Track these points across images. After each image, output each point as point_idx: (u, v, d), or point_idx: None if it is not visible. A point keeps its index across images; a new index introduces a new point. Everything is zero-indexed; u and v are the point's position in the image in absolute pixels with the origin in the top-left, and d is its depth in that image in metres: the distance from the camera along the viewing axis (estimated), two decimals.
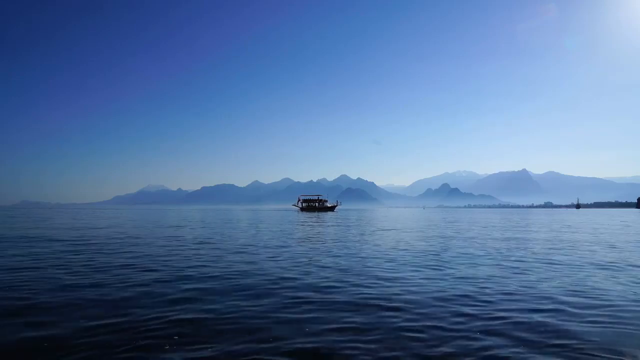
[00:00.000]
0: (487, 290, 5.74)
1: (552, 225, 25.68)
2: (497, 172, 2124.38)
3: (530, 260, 8.98)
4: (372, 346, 3.56)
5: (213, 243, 12.67)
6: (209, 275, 6.93)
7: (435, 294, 5.48)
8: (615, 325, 4.18)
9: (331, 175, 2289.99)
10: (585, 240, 14.26)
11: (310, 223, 27.21)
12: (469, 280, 6.49)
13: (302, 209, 73.61)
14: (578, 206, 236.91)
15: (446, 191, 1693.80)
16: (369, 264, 8.24)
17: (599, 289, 5.90)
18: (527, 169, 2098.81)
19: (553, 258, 9.33)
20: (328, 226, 23.48)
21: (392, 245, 12.25)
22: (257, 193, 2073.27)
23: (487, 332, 3.92)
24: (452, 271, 7.41)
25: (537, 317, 4.43)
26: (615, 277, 6.90)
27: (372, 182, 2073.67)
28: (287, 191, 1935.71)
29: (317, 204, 73.87)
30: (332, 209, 75.59)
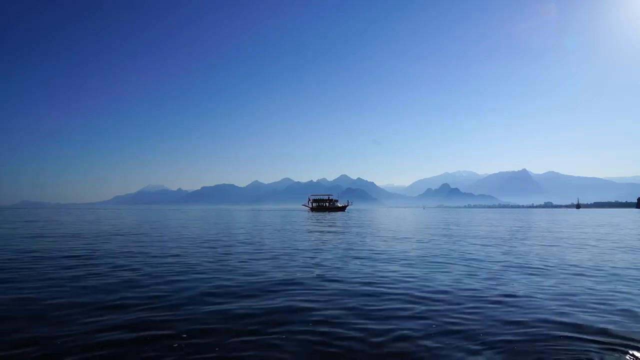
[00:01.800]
0: None
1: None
2: (497, 172, 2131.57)
3: None
4: None
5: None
6: None
7: None
8: None
9: (331, 175, 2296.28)
10: None
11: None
12: None
13: (313, 209, 72.89)
14: (578, 206, 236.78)
15: (446, 191, 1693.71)
16: None
17: None
18: (527, 169, 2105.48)
19: None
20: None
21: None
22: (257, 193, 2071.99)
23: None
24: None
25: None
26: None
27: (372, 182, 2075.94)
28: (287, 191, 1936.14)
29: (327, 204, 73.21)
30: (342, 209, 74.91)
